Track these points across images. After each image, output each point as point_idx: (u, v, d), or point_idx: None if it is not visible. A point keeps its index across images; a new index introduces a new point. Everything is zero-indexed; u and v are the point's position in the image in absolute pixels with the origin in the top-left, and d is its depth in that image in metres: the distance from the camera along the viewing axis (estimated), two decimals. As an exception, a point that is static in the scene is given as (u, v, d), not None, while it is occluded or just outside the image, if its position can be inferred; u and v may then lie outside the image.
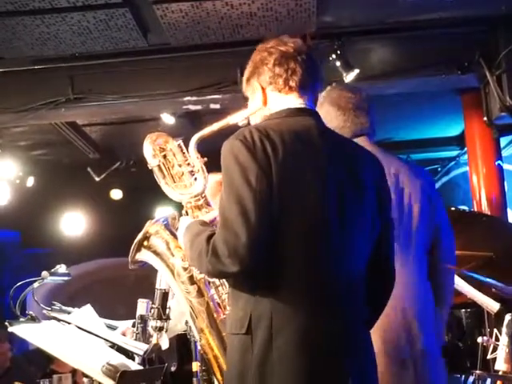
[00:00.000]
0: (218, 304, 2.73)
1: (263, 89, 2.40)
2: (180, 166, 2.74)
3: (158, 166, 2.76)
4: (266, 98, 2.40)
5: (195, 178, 2.69)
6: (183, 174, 2.74)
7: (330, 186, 2.21)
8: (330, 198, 2.20)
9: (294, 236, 2.14)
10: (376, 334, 2.47)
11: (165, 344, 3.28)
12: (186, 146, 2.69)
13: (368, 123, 3.09)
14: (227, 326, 2.32)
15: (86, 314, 3.64)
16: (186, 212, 2.68)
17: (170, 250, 2.85)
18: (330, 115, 3.04)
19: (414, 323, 2.91)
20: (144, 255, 2.91)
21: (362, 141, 2.87)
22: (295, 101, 2.36)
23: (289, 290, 2.14)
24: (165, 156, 2.78)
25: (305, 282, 2.15)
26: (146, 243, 2.90)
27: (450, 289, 3.23)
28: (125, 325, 3.78)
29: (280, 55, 2.36)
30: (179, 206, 2.73)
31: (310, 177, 2.19)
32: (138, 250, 2.90)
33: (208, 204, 2.69)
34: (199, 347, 2.92)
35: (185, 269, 2.77)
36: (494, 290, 4.07)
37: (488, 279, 4.06)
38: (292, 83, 2.36)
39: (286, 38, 2.42)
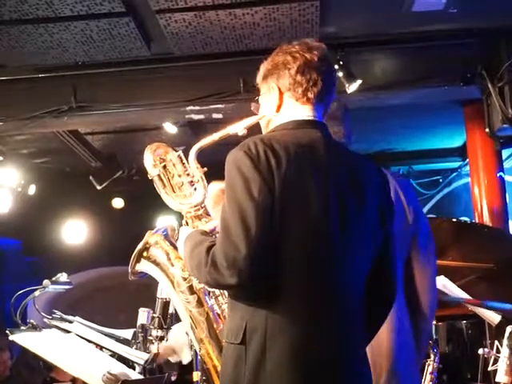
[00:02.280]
0: (218, 314, 2.73)
1: (281, 93, 2.35)
2: (180, 176, 2.75)
3: (158, 175, 2.77)
4: (281, 102, 2.36)
5: (195, 188, 2.70)
6: (183, 184, 2.74)
7: (332, 199, 2.19)
8: (332, 211, 2.18)
9: (294, 248, 2.13)
10: None
11: (187, 358, 3.27)
12: (188, 155, 2.69)
13: (341, 132, 2.94)
14: (223, 332, 2.32)
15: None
16: (186, 222, 2.68)
17: (169, 260, 2.85)
18: None
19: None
20: (144, 266, 2.91)
21: None
22: (307, 112, 2.33)
23: (287, 302, 2.12)
24: (165, 166, 2.79)
25: (304, 294, 2.14)
26: (145, 254, 2.90)
27: None
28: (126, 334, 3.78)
29: (304, 63, 2.30)
30: (180, 215, 2.73)
31: (312, 190, 2.17)
32: (138, 260, 2.90)
33: (208, 214, 2.70)
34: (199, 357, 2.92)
35: (184, 279, 2.77)
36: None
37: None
38: (310, 95, 2.31)
39: (312, 43, 2.36)
